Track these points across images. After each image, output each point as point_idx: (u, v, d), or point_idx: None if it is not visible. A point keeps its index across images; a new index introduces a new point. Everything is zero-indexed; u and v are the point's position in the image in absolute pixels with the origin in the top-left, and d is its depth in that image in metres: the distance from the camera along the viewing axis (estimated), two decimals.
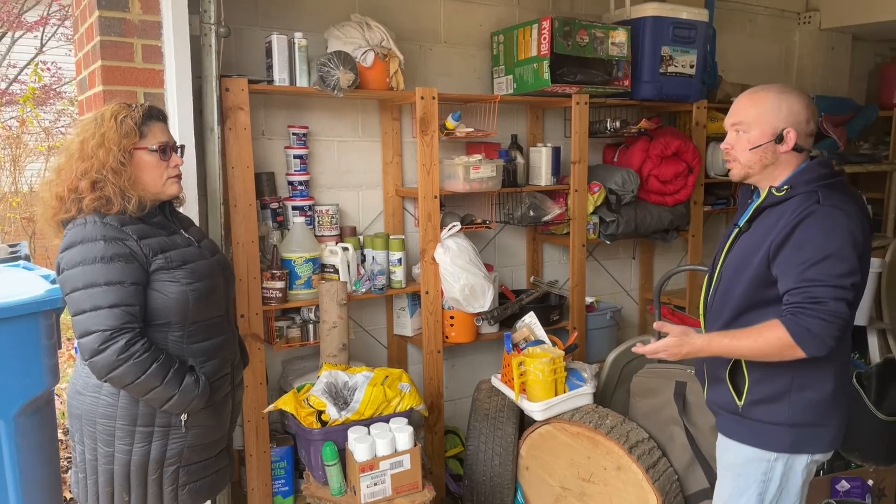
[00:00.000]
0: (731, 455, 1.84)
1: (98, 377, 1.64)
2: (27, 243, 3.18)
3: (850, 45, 4.88)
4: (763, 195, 1.77)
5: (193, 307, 1.74)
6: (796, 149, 1.75)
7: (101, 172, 1.68)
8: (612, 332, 3.59)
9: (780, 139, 1.74)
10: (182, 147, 1.85)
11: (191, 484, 1.80)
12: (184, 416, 1.75)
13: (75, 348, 2.82)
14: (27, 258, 2.86)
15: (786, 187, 1.73)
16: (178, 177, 1.82)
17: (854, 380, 2.86)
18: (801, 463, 1.76)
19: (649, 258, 4.05)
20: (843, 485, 2.80)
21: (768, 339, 1.64)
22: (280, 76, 2.56)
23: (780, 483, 1.77)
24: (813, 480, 2.60)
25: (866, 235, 1.68)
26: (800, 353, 1.62)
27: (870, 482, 2.83)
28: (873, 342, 3.98)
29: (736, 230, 1.84)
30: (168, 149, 1.78)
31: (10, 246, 3.11)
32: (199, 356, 1.78)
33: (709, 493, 2.45)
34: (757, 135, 1.76)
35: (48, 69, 7.52)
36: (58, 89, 7.78)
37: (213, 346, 1.82)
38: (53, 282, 2.37)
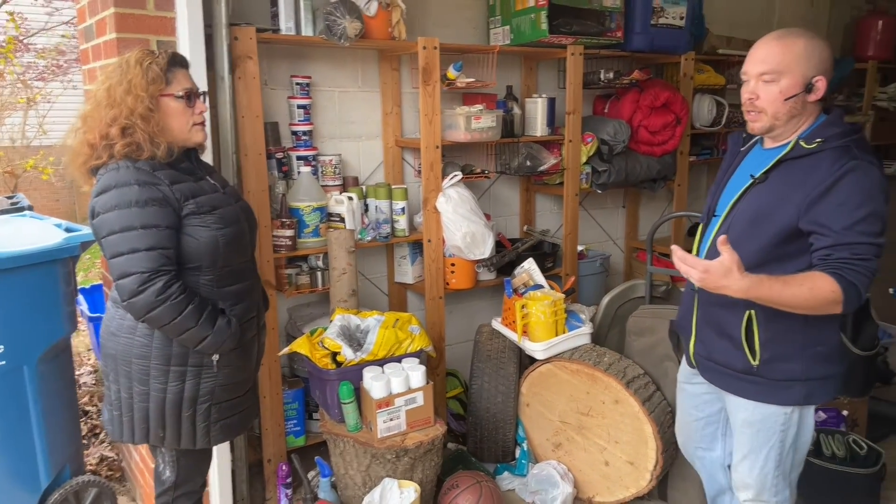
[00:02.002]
0: (748, 413, 1.85)
1: (136, 317, 1.70)
2: (23, 195, 3.16)
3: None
4: (790, 146, 1.72)
5: (223, 251, 1.80)
6: (822, 99, 1.71)
7: (130, 119, 1.71)
8: (601, 279, 3.73)
9: (809, 89, 1.69)
10: (205, 93, 1.88)
11: (222, 421, 1.89)
12: (215, 357, 1.82)
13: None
14: (30, 209, 2.86)
15: (818, 140, 1.67)
16: (203, 124, 1.85)
17: None
18: (812, 409, 1.86)
19: (635, 208, 4.18)
20: (821, 415, 3.00)
21: (822, 290, 1.57)
22: (286, 25, 2.58)
23: (797, 431, 1.84)
24: None
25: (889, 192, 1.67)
26: (839, 309, 1.58)
27: (844, 413, 3.03)
28: None
29: (750, 180, 1.78)
30: (193, 95, 1.82)
31: (8, 198, 3.09)
32: (228, 299, 1.84)
33: None
34: (789, 84, 1.68)
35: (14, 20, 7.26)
36: (25, 41, 7.53)
37: (242, 290, 1.89)
38: (67, 230, 2.40)
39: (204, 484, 2.03)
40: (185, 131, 1.81)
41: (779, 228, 1.69)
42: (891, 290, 4.33)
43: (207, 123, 1.95)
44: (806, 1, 4.84)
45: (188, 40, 2.23)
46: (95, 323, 2.83)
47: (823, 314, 1.65)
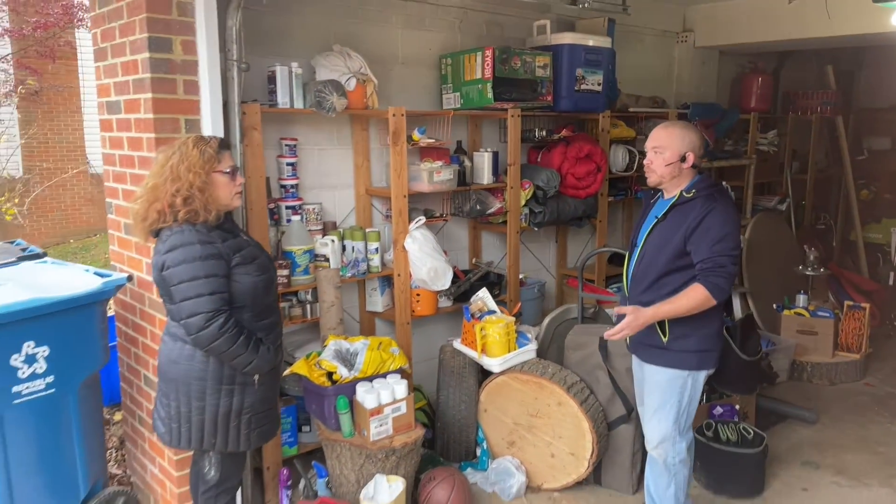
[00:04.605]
0: (658, 377, 2.61)
1: (200, 348, 2.18)
2: (22, 240, 3.47)
3: (717, 59, 5.89)
4: (676, 197, 2.55)
5: (262, 293, 2.29)
6: (693, 165, 2.57)
7: (190, 191, 2.19)
8: (539, 303, 4.36)
9: (683, 159, 2.54)
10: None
11: (259, 428, 2.36)
12: (256, 377, 2.30)
13: None
14: (44, 254, 3.20)
15: (693, 191, 2.53)
16: (241, 192, 2.35)
17: (725, 332, 3.76)
18: (702, 376, 2.61)
19: (564, 241, 4.86)
20: (718, 409, 3.71)
21: (697, 297, 2.41)
22: (283, 100, 3.09)
23: (690, 392, 2.60)
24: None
25: (740, 220, 2.54)
26: (712, 301, 2.41)
27: (737, 407, 3.75)
28: (736, 303, 5.00)
29: (655, 220, 2.59)
30: (234, 171, 2.31)
31: (11, 243, 3.40)
32: (263, 331, 2.33)
33: (625, 418, 3.26)
34: (669, 155, 2.55)
35: None
36: None
37: (272, 323, 2.38)
38: (99, 275, 2.80)
39: (239, 482, 2.49)
40: (228, 198, 2.30)
41: (674, 249, 2.51)
42: (774, 306, 5.18)
43: None
44: (699, 61, 5.71)
45: (210, 118, 2.72)
46: None
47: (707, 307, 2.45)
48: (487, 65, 3.67)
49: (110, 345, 3.09)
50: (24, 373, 2.48)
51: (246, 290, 2.25)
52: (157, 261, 2.20)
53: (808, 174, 6.56)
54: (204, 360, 2.24)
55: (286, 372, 3.03)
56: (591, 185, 4.34)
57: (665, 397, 2.59)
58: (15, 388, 2.47)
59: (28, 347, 2.48)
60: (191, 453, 2.69)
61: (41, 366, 2.52)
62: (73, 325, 2.59)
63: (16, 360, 2.45)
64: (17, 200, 5.81)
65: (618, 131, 4.61)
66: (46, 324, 2.51)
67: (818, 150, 6.72)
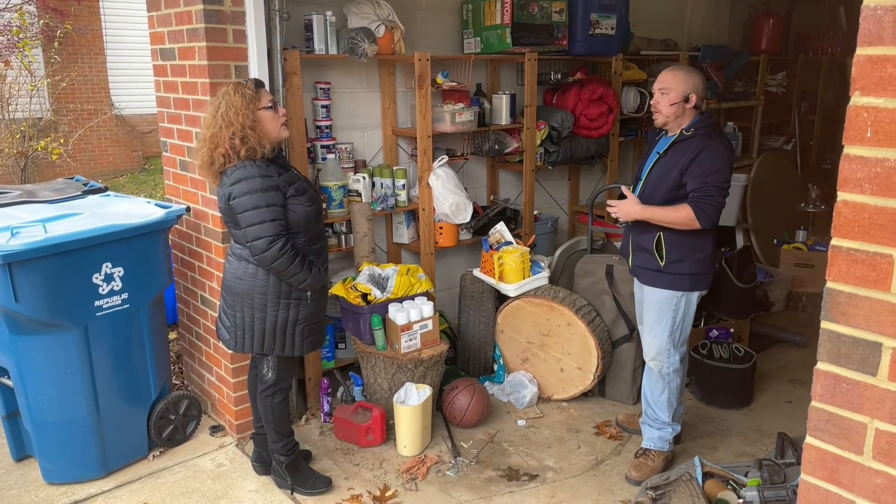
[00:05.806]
0: (656, 297, 2.91)
1: (264, 267, 2.53)
2: (81, 176, 3.80)
3: (730, 1, 6.02)
4: (677, 134, 2.81)
5: (313, 221, 2.63)
6: (696, 106, 2.82)
7: (244, 131, 2.50)
8: (551, 237, 4.69)
9: (686, 100, 2.79)
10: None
11: (311, 337, 2.74)
12: (309, 293, 2.67)
13: None
14: (106, 189, 3.55)
15: (692, 129, 2.78)
16: (286, 123, 2.66)
17: (723, 263, 4.10)
18: (695, 296, 2.92)
19: (576, 179, 5.15)
20: (714, 332, 4.07)
21: (682, 213, 2.71)
22: (319, 46, 3.36)
23: (684, 311, 2.91)
24: (693, 331, 3.82)
25: (733, 158, 2.82)
26: (697, 225, 2.69)
27: (731, 330, 4.11)
28: (739, 237, 5.33)
29: (657, 156, 2.87)
30: (275, 104, 2.62)
31: (71, 179, 3.74)
32: (314, 254, 2.68)
33: (627, 338, 3.63)
34: (674, 96, 2.78)
35: None
36: None
37: (322, 247, 2.73)
38: (160, 206, 3.15)
39: (291, 385, 2.89)
40: (276, 131, 2.61)
41: (672, 182, 2.80)
42: (775, 241, 5.48)
43: None
44: (711, 4, 5.85)
45: (256, 64, 3.00)
46: None
47: (696, 232, 2.74)
48: (506, 11, 3.90)
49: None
50: (103, 289, 2.86)
51: (300, 218, 2.59)
52: (224, 192, 2.53)
53: (816, 115, 6.74)
54: (265, 278, 2.60)
55: None
56: (603, 126, 4.60)
57: (661, 314, 2.93)
58: (97, 303, 2.85)
59: (106, 268, 2.85)
60: (246, 362, 3.11)
61: (117, 284, 2.91)
62: (143, 250, 2.96)
63: (97, 279, 2.83)
64: (62, 141, 6.13)
65: (630, 73, 4.83)
66: (121, 248, 2.88)
67: (827, 91, 6.88)
